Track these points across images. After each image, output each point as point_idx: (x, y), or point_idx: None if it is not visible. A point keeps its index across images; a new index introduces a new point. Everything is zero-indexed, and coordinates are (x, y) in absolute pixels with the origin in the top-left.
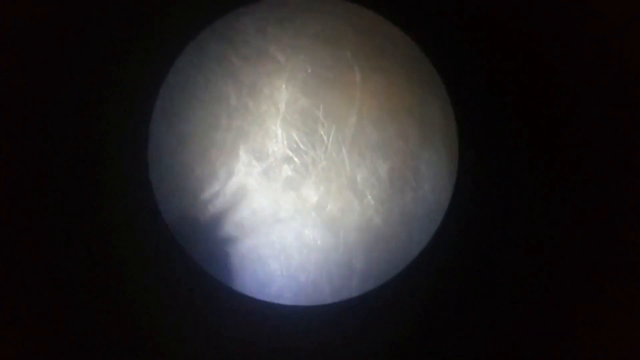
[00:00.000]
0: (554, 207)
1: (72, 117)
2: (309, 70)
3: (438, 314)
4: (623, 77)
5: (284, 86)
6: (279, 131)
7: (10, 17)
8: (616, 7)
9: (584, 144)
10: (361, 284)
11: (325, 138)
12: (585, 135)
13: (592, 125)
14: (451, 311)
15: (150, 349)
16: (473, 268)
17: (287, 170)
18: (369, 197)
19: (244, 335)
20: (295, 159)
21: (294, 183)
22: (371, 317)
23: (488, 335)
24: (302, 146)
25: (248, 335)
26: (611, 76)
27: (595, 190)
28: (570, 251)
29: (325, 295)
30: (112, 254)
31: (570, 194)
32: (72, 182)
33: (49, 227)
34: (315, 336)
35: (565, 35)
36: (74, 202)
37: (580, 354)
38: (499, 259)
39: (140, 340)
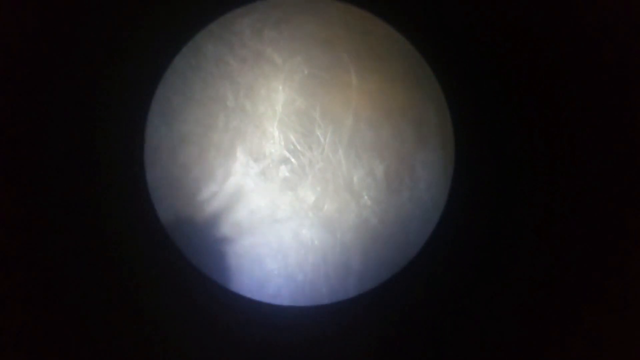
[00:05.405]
0: (550, 208)
1: (68, 118)
2: (306, 72)
3: (435, 314)
4: (623, 76)
5: (280, 87)
6: (276, 132)
7: (8, 16)
8: (616, 8)
9: (581, 143)
10: (358, 284)
11: (322, 139)
12: (583, 134)
13: (590, 124)
14: (448, 311)
15: (148, 350)
16: (469, 268)
17: (284, 171)
18: (366, 197)
19: (241, 335)
20: (293, 160)
21: (291, 184)
22: (368, 317)
23: (485, 336)
24: (299, 147)
25: (245, 336)
26: (610, 75)
27: (594, 190)
28: (568, 251)
29: (322, 295)
30: (108, 254)
31: (567, 194)
32: (68, 183)
33: (45, 228)
34: (313, 336)
35: (561, 35)
36: (70, 204)
37: (580, 355)
38: (496, 259)
39: (137, 341)
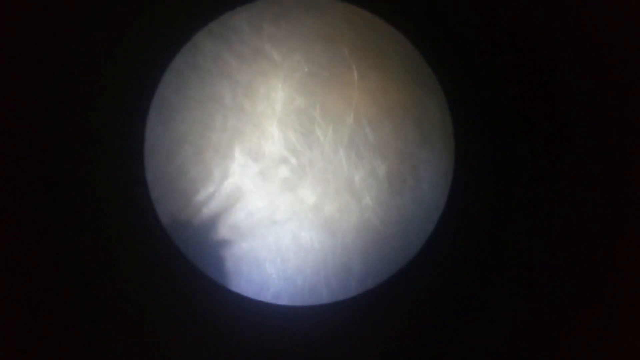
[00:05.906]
0: (551, 207)
1: (68, 118)
2: (306, 70)
3: (435, 314)
4: (623, 75)
5: (280, 86)
6: (276, 131)
7: (8, 16)
8: (616, 8)
9: (582, 142)
10: (358, 284)
11: (322, 138)
12: (583, 133)
13: (590, 123)
14: (448, 311)
15: (148, 349)
16: (470, 268)
17: (283, 171)
18: (367, 198)
19: (241, 335)
20: (292, 160)
21: (290, 184)
22: (368, 317)
23: (485, 335)
24: (298, 147)
25: (245, 336)
26: (610, 74)
27: (594, 189)
28: (568, 251)
29: (322, 297)
30: (108, 255)
31: (568, 193)
32: (68, 183)
33: (45, 228)
34: (313, 336)
35: (561, 33)
36: (71, 203)
37: (580, 354)
38: (496, 259)
39: (137, 341)
